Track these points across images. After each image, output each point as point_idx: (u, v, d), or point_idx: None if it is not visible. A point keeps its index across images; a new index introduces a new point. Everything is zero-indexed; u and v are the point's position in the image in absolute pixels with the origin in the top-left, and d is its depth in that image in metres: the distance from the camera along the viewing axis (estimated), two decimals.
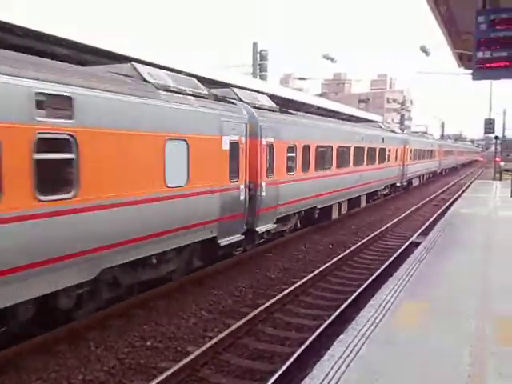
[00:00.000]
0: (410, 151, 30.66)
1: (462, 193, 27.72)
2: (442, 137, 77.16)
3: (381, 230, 16.70)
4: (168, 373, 6.09)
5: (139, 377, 6.36)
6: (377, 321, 6.15)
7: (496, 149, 45.97)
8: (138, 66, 8.96)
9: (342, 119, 25.64)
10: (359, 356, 5.14)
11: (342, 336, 5.72)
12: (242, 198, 11.26)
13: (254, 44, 25.72)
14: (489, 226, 13.65)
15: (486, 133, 41.22)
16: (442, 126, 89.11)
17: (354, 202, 20.55)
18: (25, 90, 5.97)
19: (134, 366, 6.67)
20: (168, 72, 9.91)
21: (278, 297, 9.12)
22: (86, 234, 6.93)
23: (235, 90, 12.73)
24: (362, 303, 7.72)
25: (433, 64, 37.15)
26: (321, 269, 11.22)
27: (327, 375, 4.70)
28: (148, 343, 7.36)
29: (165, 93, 8.75)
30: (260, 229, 12.19)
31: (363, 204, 22.12)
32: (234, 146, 10.81)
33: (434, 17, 10.89)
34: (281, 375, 6.12)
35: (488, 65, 8.05)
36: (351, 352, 5.22)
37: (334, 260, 12.14)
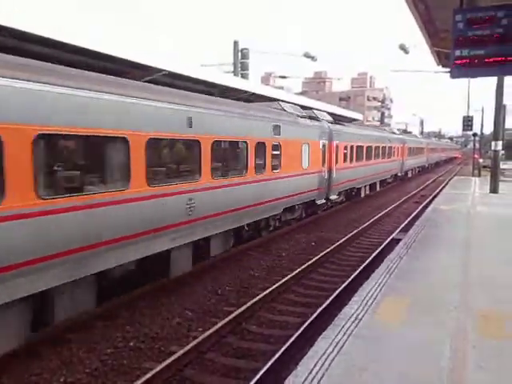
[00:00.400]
0: (407, 149, 37.81)
1: (441, 189, 28.10)
2: (422, 134, 78.14)
3: (362, 226, 16.91)
4: (151, 373, 6.06)
5: (122, 378, 6.31)
6: (359, 316, 6.20)
7: (474, 146, 46.74)
8: (281, 103, 15.96)
9: None
10: (342, 352, 5.18)
11: (325, 332, 5.75)
12: (326, 177, 18.42)
13: (235, 43, 25.60)
14: (468, 222, 13.86)
15: (464, 130, 41.87)
16: (422, 123, 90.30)
17: (372, 187, 27.53)
18: (271, 124, 13.38)
19: (117, 367, 6.61)
20: (289, 103, 17.21)
21: (261, 295, 9.14)
22: (283, 189, 14.10)
23: (315, 111, 19.36)
24: (345, 299, 7.78)
25: (412, 62, 37.83)
26: (304, 266, 11.29)
27: (311, 372, 4.73)
28: (131, 344, 7.31)
29: (299, 118, 15.99)
30: (331, 197, 19.23)
31: (378, 188, 28.97)
32: (324, 146, 18.14)
33: (412, 15, 10.98)
34: (265, 373, 6.14)
35: (465, 63, 8.14)
36: (334, 348, 5.26)
37: (317, 257, 12.21)
